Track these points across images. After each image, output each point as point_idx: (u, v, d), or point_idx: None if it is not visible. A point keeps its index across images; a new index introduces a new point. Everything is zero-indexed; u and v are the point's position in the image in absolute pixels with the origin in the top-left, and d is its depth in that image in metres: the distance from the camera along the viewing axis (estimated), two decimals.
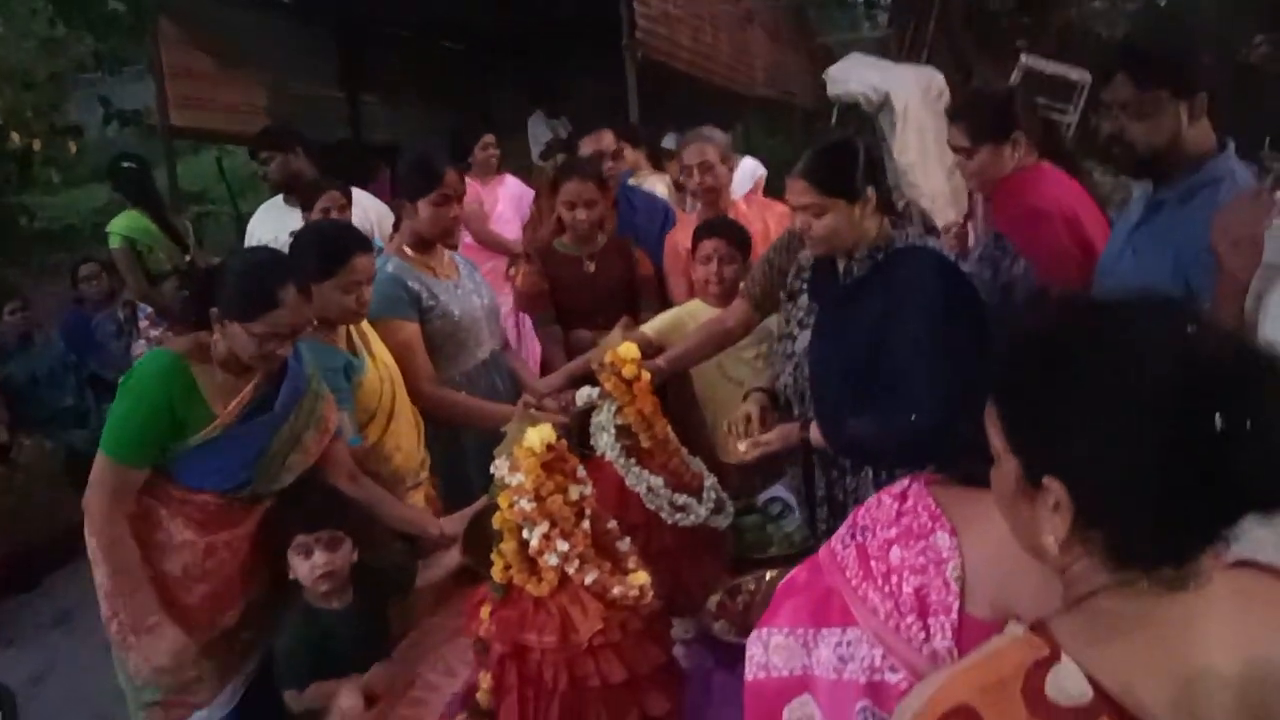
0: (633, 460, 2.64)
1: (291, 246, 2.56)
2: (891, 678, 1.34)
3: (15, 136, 7.05)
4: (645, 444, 2.70)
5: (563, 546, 1.99)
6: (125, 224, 5.06)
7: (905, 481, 1.48)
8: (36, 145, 7.40)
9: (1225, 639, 0.89)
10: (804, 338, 2.53)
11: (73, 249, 8.92)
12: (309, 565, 2.34)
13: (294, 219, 4.15)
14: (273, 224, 4.50)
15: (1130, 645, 0.89)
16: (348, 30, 10.32)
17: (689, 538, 2.57)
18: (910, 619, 1.33)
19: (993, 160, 2.90)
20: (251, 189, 12.94)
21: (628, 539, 2.25)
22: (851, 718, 1.36)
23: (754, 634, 1.49)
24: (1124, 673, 0.86)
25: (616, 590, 2.02)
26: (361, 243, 2.72)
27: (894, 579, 1.36)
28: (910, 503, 1.43)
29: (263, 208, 4.81)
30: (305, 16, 9.64)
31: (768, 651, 1.46)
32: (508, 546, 2.03)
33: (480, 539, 2.18)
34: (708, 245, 3.30)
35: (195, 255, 5.30)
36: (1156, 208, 2.37)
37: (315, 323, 2.54)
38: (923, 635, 1.32)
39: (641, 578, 2.10)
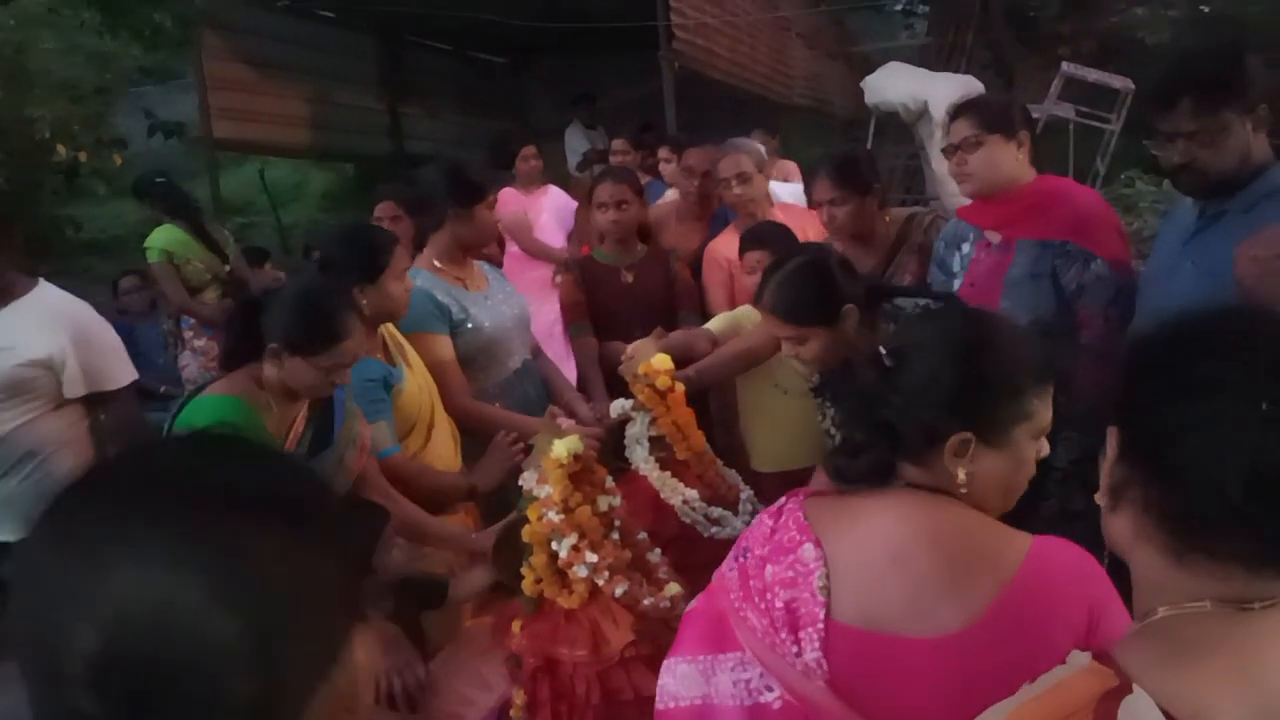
0: (667, 473, 2.62)
1: (322, 261, 2.57)
2: (768, 697, 1.36)
3: (62, 149, 7.17)
4: (680, 456, 2.68)
5: (592, 558, 1.98)
6: (162, 238, 5.12)
7: (784, 498, 1.50)
8: (83, 157, 7.53)
9: None
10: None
11: (118, 259, 9.06)
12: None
13: None
14: None
15: (1200, 669, 0.86)
16: (388, 42, 10.43)
17: (726, 551, 2.55)
18: (784, 634, 1.35)
19: (1000, 154, 2.71)
20: (294, 200, 13.15)
21: (658, 550, 2.24)
22: None
23: (665, 663, 1.51)
24: (1196, 700, 0.84)
25: (647, 601, 2.01)
26: (391, 236, 2.76)
27: (768, 595, 1.39)
28: (783, 519, 1.45)
29: None
30: (346, 29, 9.75)
31: (675, 680, 1.47)
32: (537, 559, 2.02)
33: (509, 553, 2.18)
34: (753, 256, 3.26)
35: (235, 264, 5.35)
36: (1215, 218, 2.32)
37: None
38: (795, 649, 1.34)
39: (673, 589, 2.08)
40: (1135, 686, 0.85)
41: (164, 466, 0.74)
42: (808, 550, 1.38)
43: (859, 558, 1.36)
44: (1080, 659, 0.90)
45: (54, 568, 0.67)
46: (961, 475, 1.37)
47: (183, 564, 0.65)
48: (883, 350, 1.45)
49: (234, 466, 0.75)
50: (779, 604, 1.36)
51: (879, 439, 1.41)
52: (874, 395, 1.42)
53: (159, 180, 5.38)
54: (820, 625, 1.32)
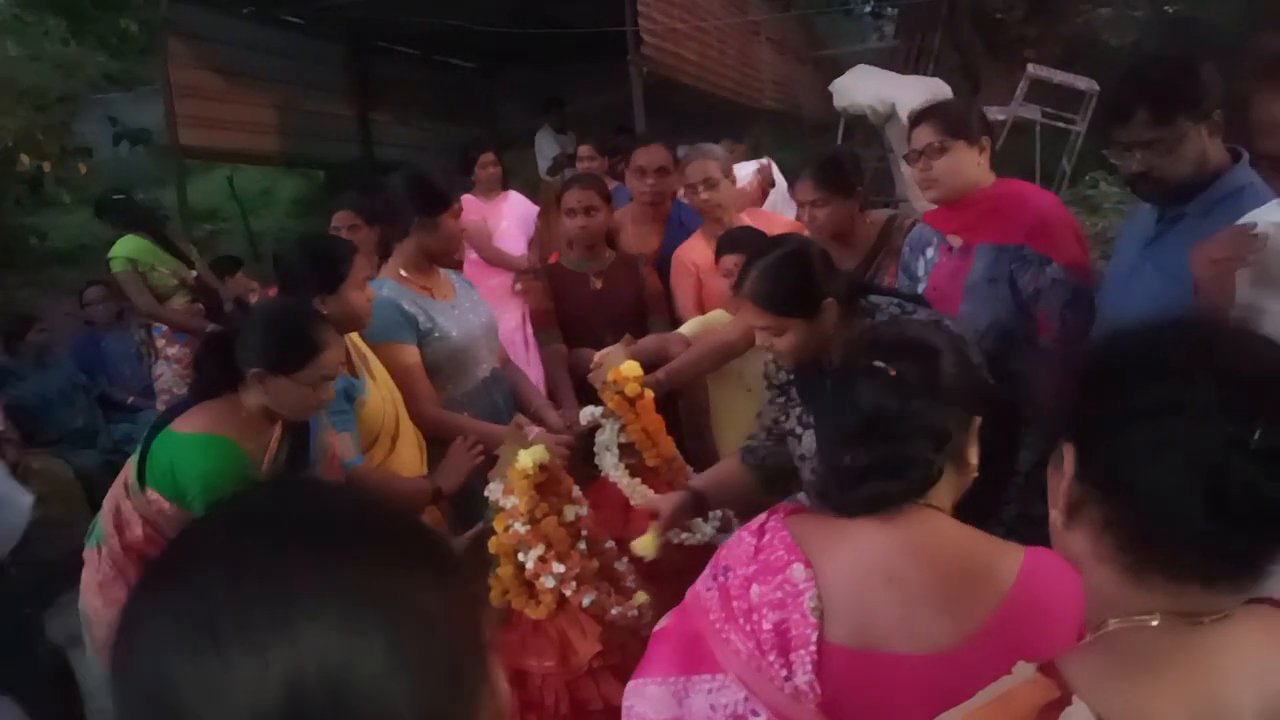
0: (637, 479, 2.63)
1: (282, 279, 2.55)
2: None
3: (25, 158, 7.08)
4: (650, 462, 2.69)
5: (559, 568, 1.98)
6: (125, 247, 5.15)
7: (764, 516, 1.48)
8: (47, 166, 7.43)
9: (1244, 676, 0.86)
10: (810, 439, 2.36)
11: (84, 269, 8.97)
12: None
13: None
14: None
15: (1144, 683, 0.86)
16: (356, 49, 10.38)
17: (695, 557, 2.55)
18: (772, 657, 1.32)
19: (963, 159, 2.73)
20: (263, 206, 13.05)
21: (625, 559, 2.24)
22: None
23: (630, 684, 1.48)
24: (1137, 713, 0.84)
25: (615, 611, 2.02)
26: (350, 245, 2.75)
27: (754, 617, 1.36)
28: (768, 538, 1.43)
29: None
30: (314, 35, 9.69)
31: (644, 702, 1.44)
32: (504, 570, 2.02)
33: (476, 564, 2.18)
34: (730, 260, 3.24)
35: (200, 269, 5.36)
36: (1175, 221, 2.36)
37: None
38: (784, 673, 1.31)
39: (641, 597, 2.09)
40: (1075, 699, 0.85)
41: (299, 517, 0.70)
42: (797, 570, 1.36)
43: (851, 576, 1.35)
44: (1025, 670, 0.90)
45: (208, 633, 0.62)
46: (974, 458, 1.48)
47: (364, 621, 0.63)
48: (890, 370, 1.46)
49: (366, 514, 0.72)
50: (767, 625, 1.34)
51: (926, 451, 1.41)
52: (900, 416, 1.42)
53: (117, 197, 5.47)
54: (812, 647, 1.31)
